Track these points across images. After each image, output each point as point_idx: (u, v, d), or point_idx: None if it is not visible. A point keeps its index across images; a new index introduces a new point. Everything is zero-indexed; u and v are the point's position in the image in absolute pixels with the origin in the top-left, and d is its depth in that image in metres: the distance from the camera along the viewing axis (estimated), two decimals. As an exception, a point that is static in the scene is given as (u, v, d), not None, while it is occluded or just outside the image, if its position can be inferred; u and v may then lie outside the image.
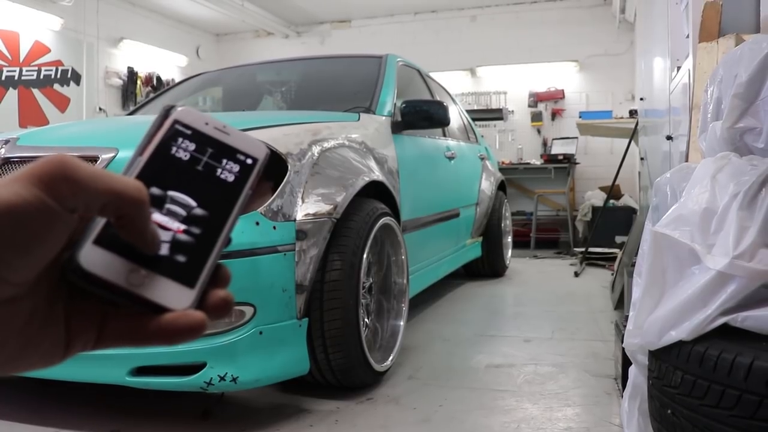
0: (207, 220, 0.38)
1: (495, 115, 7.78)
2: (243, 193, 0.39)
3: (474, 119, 5.42)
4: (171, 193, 0.38)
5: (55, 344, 0.35)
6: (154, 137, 0.39)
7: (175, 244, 0.36)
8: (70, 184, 0.32)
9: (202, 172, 0.39)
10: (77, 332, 0.35)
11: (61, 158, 0.32)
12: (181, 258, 0.36)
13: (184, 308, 0.35)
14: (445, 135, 3.84)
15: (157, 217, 0.37)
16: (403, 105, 2.97)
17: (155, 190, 0.37)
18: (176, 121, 0.40)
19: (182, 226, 0.37)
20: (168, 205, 0.37)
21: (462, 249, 4.13)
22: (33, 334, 0.34)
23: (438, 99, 3.81)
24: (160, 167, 0.38)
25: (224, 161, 0.40)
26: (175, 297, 0.35)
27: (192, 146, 0.39)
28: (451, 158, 3.72)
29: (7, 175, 0.32)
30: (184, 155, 0.39)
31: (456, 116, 4.37)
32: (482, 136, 5.30)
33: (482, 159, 4.72)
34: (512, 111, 8.00)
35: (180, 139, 0.39)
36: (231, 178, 0.39)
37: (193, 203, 0.38)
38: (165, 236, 0.36)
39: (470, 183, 4.31)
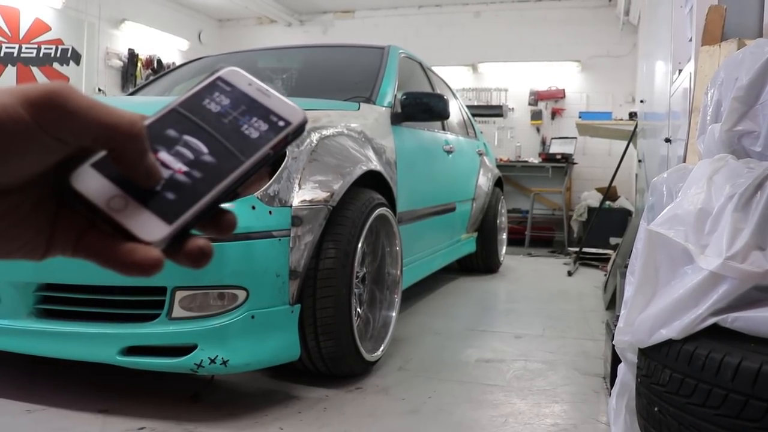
0: (213, 167, 0.39)
1: (495, 111, 7.78)
2: (261, 150, 0.41)
3: (474, 115, 5.41)
4: (186, 137, 0.40)
5: (36, 244, 0.38)
6: (194, 88, 0.42)
7: (170, 182, 0.38)
8: (58, 113, 0.33)
9: (226, 124, 0.41)
10: (58, 238, 0.38)
11: (56, 87, 0.33)
12: (170, 195, 0.38)
13: (154, 241, 0.36)
14: (444, 129, 3.84)
15: (164, 155, 0.39)
16: (404, 96, 2.96)
17: (171, 132, 0.40)
18: (219, 78, 0.43)
19: (184, 168, 0.39)
20: (178, 147, 0.39)
21: (457, 243, 4.14)
22: (11, 227, 0.36)
23: (439, 92, 3.81)
24: (186, 114, 0.41)
25: (254, 119, 0.42)
26: (149, 229, 0.37)
27: (226, 101, 0.42)
28: (449, 152, 3.72)
29: (7, 87, 0.33)
30: (214, 107, 0.42)
31: (456, 111, 4.37)
32: (481, 132, 5.30)
33: (480, 155, 4.73)
34: (512, 108, 8.00)
35: (216, 94, 0.42)
36: (255, 134, 0.41)
37: (204, 150, 0.40)
38: (165, 174, 0.38)
39: (467, 178, 4.31)
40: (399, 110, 2.94)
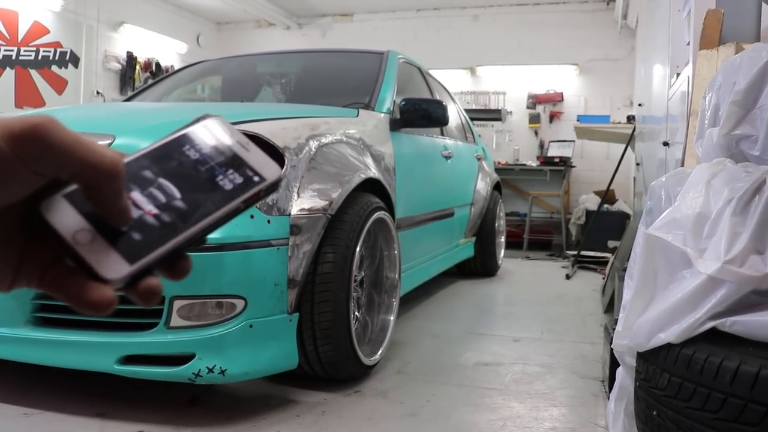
0: (183, 213, 0.39)
1: (494, 115, 7.79)
2: (233, 203, 0.41)
3: (472, 119, 5.41)
4: (161, 180, 0.40)
5: (3, 274, 0.37)
6: (176, 132, 0.43)
7: (139, 223, 0.38)
8: (41, 148, 0.33)
9: (202, 172, 0.41)
10: (24, 271, 0.38)
11: (40, 121, 0.33)
12: (136, 236, 0.38)
13: (113, 279, 0.36)
14: (443, 134, 3.84)
15: (136, 195, 0.39)
16: (403, 103, 2.96)
17: (147, 173, 0.40)
18: (203, 125, 0.44)
19: (155, 210, 0.39)
20: (152, 189, 0.40)
21: (455, 248, 4.14)
22: None
23: (438, 98, 3.81)
24: (164, 157, 0.41)
25: (230, 171, 0.42)
26: (110, 266, 0.37)
27: (206, 149, 0.43)
28: (447, 157, 3.73)
29: None
30: (193, 154, 0.42)
31: (454, 116, 4.37)
32: (479, 135, 5.30)
33: (479, 159, 4.73)
34: (510, 112, 8.01)
35: (197, 142, 0.43)
36: (229, 186, 0.41)
37: (177, 195, 0.40)
38: (135, 213, 0.38)
39: (466, 183, 4.31)
40: (398, 116, 2.94)
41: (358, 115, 2.67)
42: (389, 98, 3.00)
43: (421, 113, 2.94)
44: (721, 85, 1.48)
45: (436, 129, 3.62)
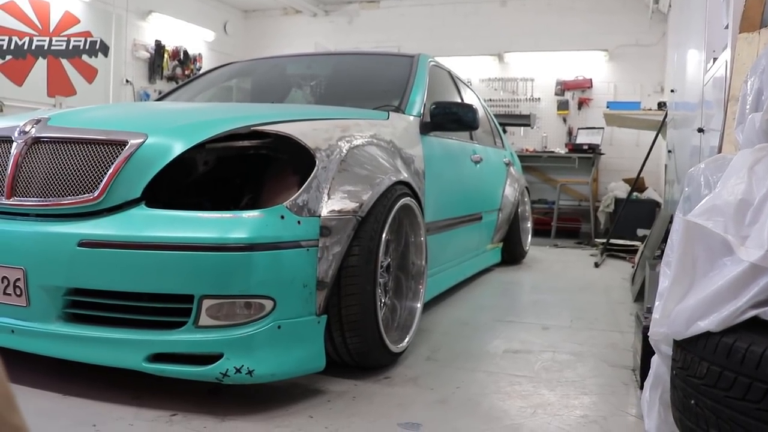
0: None
1: (523, 121, 7.70)
2: None
3: (501, 124, 5.37)
4: None
5: None
6: None
7: None
8: None
9: None
10: None
11: None
12: None
13: None
14: (472, 138, 3.83)
15: None
16: (433, 106, 2.95)
17: None
18: None
19: None
20: None
21: (482, 254, 4.15)
22: None
23: (467, 102, 3.79)
24: None
25: None
26: None
27: None
28: (477, 162, 3.72)
29: None
30: None
31: (483, 121, 4.36)
32: (504, 131, 5.26)
33: (507, 165, 4.72)
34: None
35: None
36: None
37: None
38: None
39: (494, 188, 4.31)
40: (428, 120, 2.93)
41: (388, 118, 2.66)
42: (420, 101, 2.99)
43: (452, 117, 2.93)
44: (764, 69, 1.45)
45: (465, 133, 3.60)
